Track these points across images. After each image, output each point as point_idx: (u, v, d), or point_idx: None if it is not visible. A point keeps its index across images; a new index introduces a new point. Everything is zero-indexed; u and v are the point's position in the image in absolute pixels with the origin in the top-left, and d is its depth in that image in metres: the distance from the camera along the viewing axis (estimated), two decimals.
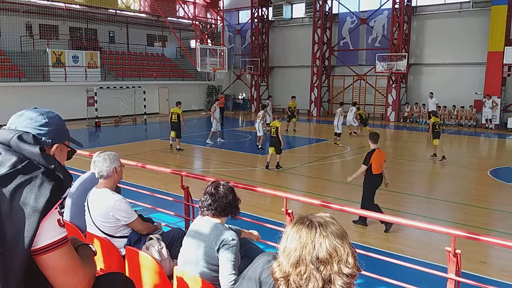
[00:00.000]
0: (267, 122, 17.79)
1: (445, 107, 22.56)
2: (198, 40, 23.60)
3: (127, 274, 3.16)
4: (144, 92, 23.05)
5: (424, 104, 23.00)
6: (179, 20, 29.50)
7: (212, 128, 15.48)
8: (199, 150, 14.74)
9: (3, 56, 20.83)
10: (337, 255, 1.21)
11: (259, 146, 14.12)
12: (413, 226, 3.32)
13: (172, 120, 13.85)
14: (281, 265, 1.26)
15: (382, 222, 6.42)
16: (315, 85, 26.46)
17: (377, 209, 6.35)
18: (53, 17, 23.34)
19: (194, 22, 25.79)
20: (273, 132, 11.01)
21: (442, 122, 22.34)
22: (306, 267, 1.20)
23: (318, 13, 25.78)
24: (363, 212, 4.21)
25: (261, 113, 14.65)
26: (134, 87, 23.77)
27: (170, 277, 3.02)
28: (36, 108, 1.62)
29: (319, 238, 1.23)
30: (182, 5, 28.77)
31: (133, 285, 2.09)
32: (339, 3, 26.43)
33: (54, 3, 22.71)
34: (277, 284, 1.27)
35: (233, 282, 2.54)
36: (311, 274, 1.19)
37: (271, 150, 11.04)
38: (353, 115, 17.08)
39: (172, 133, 13.92)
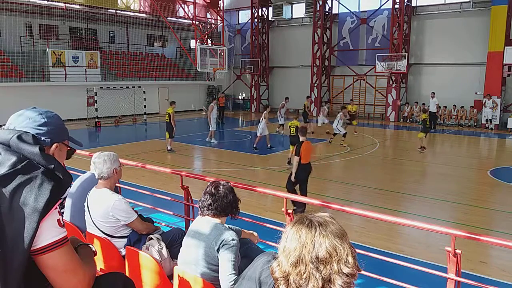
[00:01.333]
0: (280, 123, 17.76)
1: (445, 107, 22.57)
2: (198, 40, 23.61)
3: (127, 274, 3.16)
4: (144, 92, 23.06)
5: (424, 104, 22.98)
6: (179, 20, 29.51)
7: (210, 128, 15.49)
8: (199, 150, 14.74)
9: (3, 56, 20.84)
10: (337, 254, 1.20)
11: (254, 146, 14.00)
12: (413, 226, 3.31)
13: (166, 120, 13.82)
14: (280, 264, 1.26)
15: (294, 203, 6.95)
16: (315, 85, 26.47)
17: (305, 193, 7.33)
18: (53, 17, 23.33)
19: (194, 22, 25.81)
20: (293, 131, 11.36)
21: (442, 122, 22.46)
22: (306, 267, 1.20)
23: (318, 13, 25.79)
24: (363, 212, 4.19)
25: (264, 113, 14.34)
26: (134, 87, 23.78)
27: (170, 277, 3.02)
28: (35, 107, 1.61)
29: (319, 237, 1.22)
30: (182, 5, 28.77)
31: (133, 285, 2.09)
32: (339, 3, 26.44)
33: (54, 3, 22.71)
34: (276, 284, 1.27)
35: (233, 282, 2.54)
36: (311, 274, 1.19)
37: (292, 148, 11.20)
38: (338, 122, 15.26)
39: (167, 134, 13.89)
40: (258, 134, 13.97)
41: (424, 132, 13.66)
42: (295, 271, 1.22)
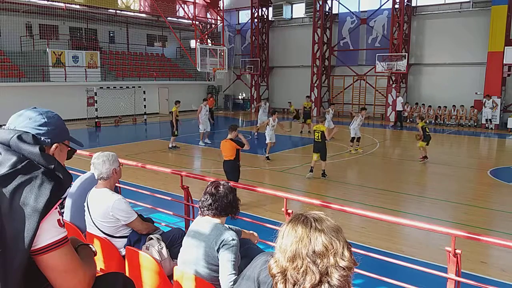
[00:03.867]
0: (260, 124, 17.36)
1: (445, 107, 22.58)
2: (198, 40, 23.61)
3: (127, 274, 3.16)
4: (144, 92, 23.06)
5: (423, 104, 23.05)
6: (179, 20, 29.51)
7: (199, 129, 15.22)
8: (199, 150, 14.74)
9: (3, 56, 20.84)
10: (333, 248, 1.22)
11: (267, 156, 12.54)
12: (413, 226, 3.32)
13: (171, 119, 14.13)
14: (278, 261, 1.27)
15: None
16: (315, 85, 26.47)
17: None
18: (53, 17, 23.34)
19: (194, 22, 25.80)
20: (317, 136, 10.01)
21: (442, 122, 22.49)
22: (303, 261, 1.21)
23: (318, 13, 25.79)
24: (363, 212, 4.19)
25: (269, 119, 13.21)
26: (134, 87, 23.78)
27: (170, 277, 3.02)
28: (35, 107, 1.61)
29: (315, 232, 1.24)
30: (182, 5, 28.77)
31: (133, 285, 2.08)
32: (339, 3, 26.44)
33: (54, 3, 22.71)
34: (274, 281, 1.27)
35: (233, 282, 2.54)
36: (308, 268, 1.20)
37: (315, 156, 10.17)
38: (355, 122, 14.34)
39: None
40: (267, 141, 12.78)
41: (425, 140, 12.07)
42: (292, 266, 1.23)
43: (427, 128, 12.24)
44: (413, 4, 23.70)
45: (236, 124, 8.30)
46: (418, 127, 12.28)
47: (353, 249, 1.30)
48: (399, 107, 21.55)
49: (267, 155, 12.52)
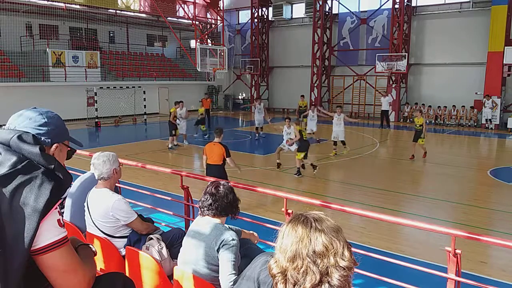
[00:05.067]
0: (257, 125, 16.98)
1: (445, 107, 22.59)
2: (198, 40, 23.61)
3: (127, 274, 3.16)
4: (144, 92, 23.06)
5: (423, 104, 23.04)
6: (179, 20, 29.52)
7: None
8: (199, 150, 14.73)
9: (3, 56, 20.83)
10: (333, 248, 1.22)
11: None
12: (413, 226, 3.32)
13: (169, 119, 14.30)
14: (278, 261, 1.27)
15: None
16: (315, 85, 26.46)
17: None
18: (53, 17, 23.35)
19: (194, 22, 25.80)
20: (305, 135, 10.83)
21: (442, 122, 22.50)
22: (303, 261, 1.22)
23: (318, 13, 25.79)
24: (363, 212, 4.19)
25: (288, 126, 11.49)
26: (134, 87, 23.79)
27: (170, 277, 3.02)
28: (35, 108, 1.61)
29: (315, 232, 1.24)
30: (182, 5, 28.78)
31: (133, 285, 2.08)
32: (339, 3, 26.44)
33: (54, 3, 22.72)
34: (275, 281, 1.28)
35: (233, 282, 2.54)
36: (308, 268, 1.21)
37: (301, 155, 10.32)
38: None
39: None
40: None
41: (423, 137, 12.25)
42: (292, 266, 1.23)
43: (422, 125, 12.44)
44: (413, 4, 23.71)
45: (222, 128, 7.91)
46: (419, 121, 12.43)
47: (353, 249, 1.30)
48: (385, 107, 21.37)
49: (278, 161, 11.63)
